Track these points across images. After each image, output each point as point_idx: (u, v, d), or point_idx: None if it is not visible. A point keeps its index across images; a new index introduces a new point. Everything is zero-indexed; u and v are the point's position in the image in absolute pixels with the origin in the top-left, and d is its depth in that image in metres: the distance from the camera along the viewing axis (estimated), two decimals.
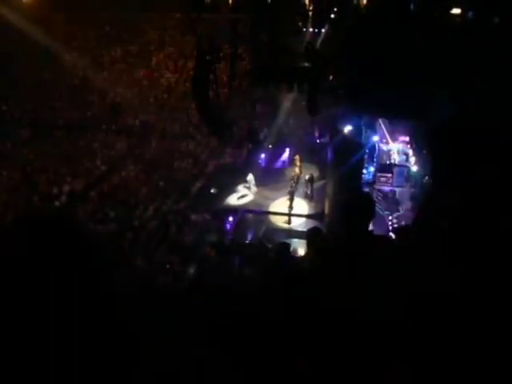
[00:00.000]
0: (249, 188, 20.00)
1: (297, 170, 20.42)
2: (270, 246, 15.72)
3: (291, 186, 19.31)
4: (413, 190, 18.07)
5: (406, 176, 18.38)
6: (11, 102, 28.08)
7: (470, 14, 10.58)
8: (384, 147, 20.15)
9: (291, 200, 18.73)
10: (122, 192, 20.24)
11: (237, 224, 18.54)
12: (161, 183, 20.91)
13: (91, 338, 0.95)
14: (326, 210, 17.15)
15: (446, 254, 2.13)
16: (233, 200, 19.73)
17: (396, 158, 19.79)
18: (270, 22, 14.98)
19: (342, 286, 3.05)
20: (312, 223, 16.35)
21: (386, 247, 3.32)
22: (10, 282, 0.93)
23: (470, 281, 2.06)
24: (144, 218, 18.31)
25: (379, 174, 18.67)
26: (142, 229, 17.53)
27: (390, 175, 18.41)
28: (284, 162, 22.45)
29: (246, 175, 20.09)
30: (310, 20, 15.55)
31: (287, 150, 22.72)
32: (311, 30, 15.76)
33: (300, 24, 16.12)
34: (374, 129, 18.79)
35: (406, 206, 17.84)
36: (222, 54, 18.16)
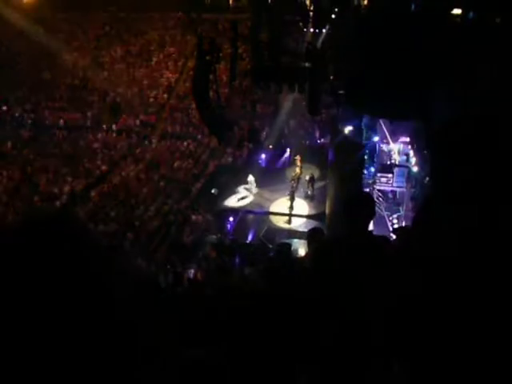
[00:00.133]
0: (249, 189, 19.98)
1: (297, 170, 20.43)
2: (270, 246, 15.73)
3: (292, 187, 19.32)
4: (413, 190, 18.06)
5: (407, 176, 18.36)
6: (11, 102, 28.11)
7: (471, 14, 10.57)
8: (384, 147, 20.14)
9: (292, 200, 18.75)
10: (122, 192, 20.26)
11: (237, 224, 18.55)
12: (161, 183, 20.92)
13: (90, 338, 0.95)
14: (327, 211, 17.14)
15: (445, 253, 2.13)
16: (232, 202, 19.72)
17: (396, 159, 19.77)
18: (270, 22, 14.97)
19: (340, 284, 3.05)
20: (312, 223, 16.36)
21: (384, 247, 3.32)
22: (10, 283, 0.92)
23: (469, 280, 2.06)
24: (144, 218, 18.33)
25: (380, 175, 18.66)
26: (142, 229, 17.54)
27: (390, 175, 18.39)
28: (284, 162, 22.44)
29: (247, 176, 20.09)
30: (310, 20, 15.54)
31: (288, 150, 22.72)
32: (312, 30, 15.75)
33: (300, 24, 16.11)
34: (374, 129, 18.77)
35: (406, 206, 17.84)
36: (222, 54, 18.17)
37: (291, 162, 21.59)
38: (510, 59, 8.51)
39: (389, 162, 19.66)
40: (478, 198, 1.98)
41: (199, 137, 24.60)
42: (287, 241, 13.83)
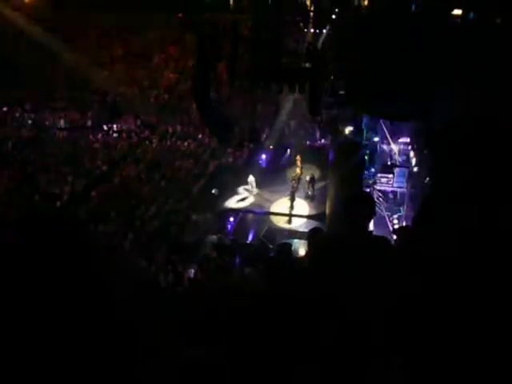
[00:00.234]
0: (249, 190, 19.97)
1: (298, 170, 20.43)
2: (270, 246, 15.74)
3: (292, 187, 19.32)
4: (413, 190, 18.05)
5: (407, 177, 18.36)
6: (12, 102, 28.11)
7: (471, 14, 10.57)
8: (385, 148, 20.14)
9: (292, 200, 18.76)
10: (122, 192, 20.24)
11: (238, 224, 18.55)
12: (162, 183, 20.92)
13: (90, 337, 0.95)
14: (327, 211, 17.14)
15: (445, 253, 2.13)
16: (232, 203, 19.71)
17: (397, 159, 19.78)
18: (270, 22, 14.98)
19: (340, 284, 3.05)
20: (313, 224, 16.36)
21: (384, 247, 3.33)
22: (12, 281, 0.93)
23: (469, 280, 2.06)
24: (145, 217, 18.32)
25: (380, 175, 18.66)
26: (142, 229, 17.54)
27: (390, 176, 18.39)
28: (285, 162, 22.43)
29: (247, 176, 20.08)
30: (311, 20, 15.55)
31: (288, 150, 22.72)
32: (312, 30, 15.76)
33: (301, 24, 16.12)
34: (374, 129, 18.78)
35: (406, 206, 17.84)
36: (222, 55, 18.16)
37: (292, 163, 21.58)
38: (510, 59, 8.52)
39: (389, 163, 19.66)
40: (478, 198, 1.99)
41: (200, 137, 24.60)
42: (287, 241, 13.83)
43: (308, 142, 23.71)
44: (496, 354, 1.91)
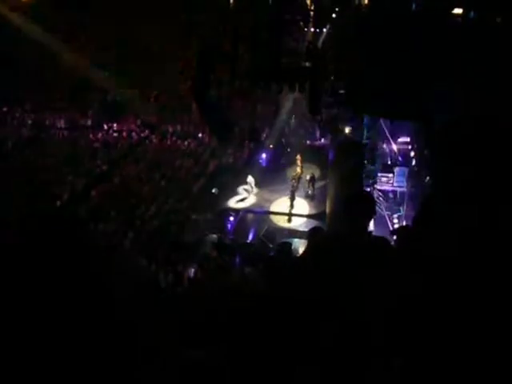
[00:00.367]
0: (248, 190, 19.94)
1: (298, 169, 20.44)
2: (270, 245, 15.74)
3: (292, 186, 19.32)
4: (414, 190, 18.06)
5: (407, 176, 18.36)
6: (12, 102, 28.11)
7: (472, 14, 10.56)
8: (385, 147, 20.15)
9: (292, 199, 18.76)
10: (123, 191, 20.25)
11: (238, 223, 18.55)
12: (162, 183, 20.92)
13: (91, 337, 0.95)
14: (327, 210, 17.14)
15: (445, 253, 2.13)
16: (232, 203, 19.71)
17: (397, 158, 19.79)
18: (270, 21, 14.97)
19: (340, 284, 3.05)
20: (313, 223, 16.37)
21: (384, 247, 3.32)
22: (12, 280, 0.93)
23: (469, 280, 2.06)
24: (145, 217, 18.33)
25: (380, 174, 18.65)
26: (143, 228, 17.54)
27: (390, 175, 18.39)
28: (285, 161, 22.43)
29: (247, 176, 20.07)
30: (311, 20, 15.54)
31: (288, 149, 22.72)
32: (312, 29, 15.75)
33: (301, 24, 16.11)
34: (374, 129, 18.77)
35: (406, 206, 17.84)
36: (222, 54, 18.13)
37: (292, 162, 21.58)
38: (510, 59, 8.51)
39: (389, 162, 19.66)
40: (478, 198, 1.99)
41: (200, 136, 24.60)
42: (287, 240, 13.82)
43: (308, 142, 23.72)
44: (496, 354, 1.91)
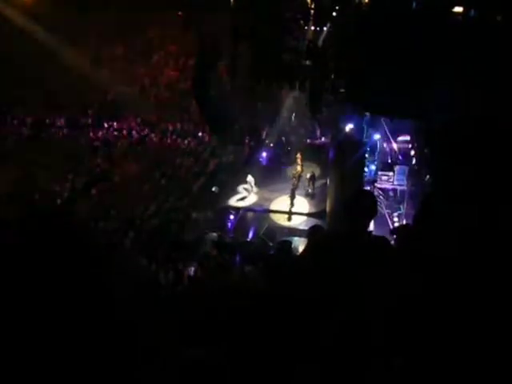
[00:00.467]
0: (248, 189, 19.93)
1: (298, 168, 20.42)
2: (271, 244, 15.75)
3: (293, 184, 19.32)
4: (414, 188, 18.06)
5: (408, 175, 18.36)
6: (12, 100, 28.09)
7: (472, 12, 10.55)
8: (385, 146, 20.14)
9: (292, 198, 18.75)
10: (123, 190, 20.25)
11: (238, 222, 18.56)
12: (162, 181, 20.92)
13: (90, 338, 0.95)
14: (327, 209, 17.15)
15: (445, 253, 2.13)
16: (232, 202, 19.70)
17: (397, 157, 19.79)
18: (271, 19, 14.95)
19: (340, 283, 3.05)
20: (313, 221, 16.38)
21: (384, 247, 3.32)
22: (10, 282, 0.93)
23: (469, 280, 2.06)
24: (145, 216, 18.33)
25: (380, 173, 18.66)
26: (143, 227, 17.55)
27: (391, 174, 18.41)
28: (285, 160, 22.43)
29: (247, 174, 20.05)
30: (311, 18, 15.51)
31: (289, 148, 22.71)
32: (313, 28, 15.72)
33: (301, 22, 16.08)
34: (375, 127, 18.76)
35: (407, 204, 17.85)
36: (222, 52, 18.13)
37: (292, 160, 21.58)
38: (511, 58, 8.50)
39: (389, 161, 19.67)
40: (478, 198, 1.98)
41: (200, 135, 24.59)
42: (287, 239, 13.82)
43: (308, 140, 23.70)
44: (496, 354, 1.91)
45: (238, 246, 15.77)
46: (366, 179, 18.06)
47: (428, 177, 15.63)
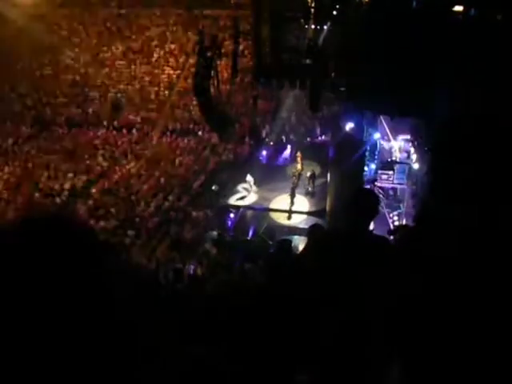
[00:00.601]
0: (247, 189, 19.90)
1: (298, 166, 20.41)
2: (270, 242, 15.75)
3: (293, 183, 19.31)
4: (414, 187, 18.06)
5: (408, 173, 18.36)
6: (12, 99, 28.11)
7: (473, 11, 10.55)
8: (385, 144, 20.13)
9: (292, 197, 18.74)
10: (123, 188, 20.25)
11: (238, 220, 18.55)
12: (162, 180, 20.92)
13: (90, 338, 0.95)
14: (327, 207, 17.14)
15: (445, 253, 2.13)
16: (231, 201, 19.67)
17: (397, 156, 19.78)
18: (271, 18, 14.94)
19: (340, 282, 3.05)
20: (313, 220, 16.37)
21: (384, 246, 3.30)
22: (10, 282, 0.93)
23: (469, 280, 2.06)
24: (145, 214, 18.33)
25: (380, 172, 18.65)
26: (143, 225, 17.55)
27: (391, 172, 18.39)
28: (285, 158, 22.43)
29: (247, 173, 20.03)
30: (311, 17, 15.50)
31: (289, 146, 22.71)
32: (313, 26, 15.71)
33: (302, 21, 16.07)
34: (375, 126, 18.74)
35: (407, 203, 17.84)
36: (223, 51, 18.13)
37: (292, 159, 21.57)
38: (511, 57, 8.50)
39: (389, 159, 19.66)
40: (478, 198, 1.98)
41: (200, 133, 24.59)
42: (287, 237, 13.82)
43: (308, 139, 23.69)
44: (496, 353, 1.91)
45: (238, 245, 15.78)
46: (365, 178, 18.05)
47: (428, 176, 15.62)
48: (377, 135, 19.07)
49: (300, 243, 14.22)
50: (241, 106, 25.00)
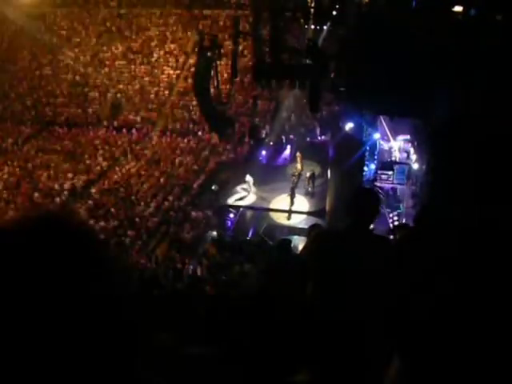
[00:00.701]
0: (247, 189, 19.89)
1: (298, 166, 20.41)
2: (270, 242, 15.74)
3: (292, 183, 19.31)
4: (413, 187, 18.07)
5: (407, 173, 18.38)
6: (12, 99, 28.12)
7: (472, 11, 10.54)
8: (385, 145, 20.15)
9: (292, 197, 18.75)
10: (123, 188, 20.25)
11: (237, 220, 18.55)
12: (162, 180, 20.92)
13: (90, 337, 0.95)
14: (327, 207, 17.15)
15: (445, 253, 2.13)
16: (230, 202, 19.66)
17: (397, 156, 19.80)
18: (271, 18, 14.96)
19: (340, 281, 3.05)
20: (313, 220, 16.38)
21: (384, 246, 3.29)
22: (9, 282, 0.93)
23: (469, 280, 2.07)
24: (145, 214, 18.33)
25: (380, 172, 18.67)
26: (142, 225, 17.56)
27: (390, 173, 18.42)
28: (285, 158, 22.43)
29: (246, 174, 20.02)
30: (311, 17, 15.52)
31: (288, 146, 22.71)
32: (313, 27, 15.74)
33: (301, 21, 16.09)
34: (375, 126, 18.77)
35: (406, 203, 17.85)
36: (223, 51, 18.15)
37: (292, 159, 21.58)
38: (511, 57, 8.50)
39: (389, 159, 19.67)
40: (478, 198, 1.98)
41: (200, 133, 24.59)
42: (287, 237, 13.81)
43: (308, 139, 23.71)
44: (496, 354, 1.91)
45: (238, 245, 15.77)
46: (365, 178, 18.07)
47: (428, 176, 15.63)
48: (376, 135, 19.10)
49: (300, 243, 14.22)
50: (241, 106, 25.00)
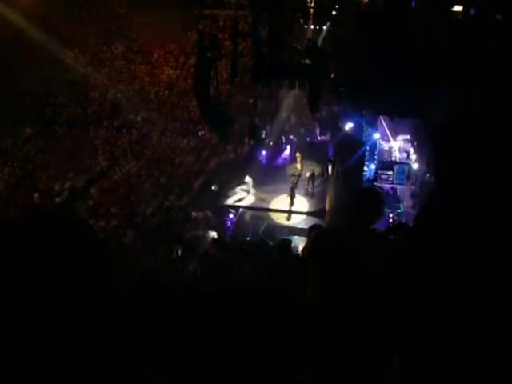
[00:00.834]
0: (246, 190, 19.88)
1: (298, 166, 20.42)
2: (270, 242, 15.74)
3: (292, 183, 19.32)
4: (413, 187, 18.06)
5: (407, 174, 18.37)
6: (12, 99, 28.09)
7: (472, 11, 10.54)
8: (385, 145, 20.14)
9: (292, 197, 18.75)
10: (123, 188, 20.25)
11: (237, 221, 18.56)
12: (162, 180, 20.92)
13: (90, 337, 0.95)
14: (327, 208, 17.15)
15: (445, 253, 2.13)
16: (230, 203, 19.67)
17: (397, 156, 19.79)
18: (271, 18, 14.95)
19: (340, 281, 3.05)
20: (312, 220, 16.39)
21: (384, 245, 3.29)
22: (10, 282, 0.93)
23: (469, 280, 2.07)
24: (145, 214, 18.33)
25: (380, 172, 18.66)
26: (143, 225, 17.55)
27: (390, 173, 18.41)
28: (285, 158, 22.44)
29: (246, 174, 20.02)
30: (311, 17, 15.53)
31: (288, 146, 22.71)
32: (312, 27, 15.74)
33: (301, 21, 16.09)
34: (375, 126, 18.75)
35: (406, 203, 17.84)
36: (223, 51, 18.11)
37: (292, 159, 21.59)
38: (511, 57, 8.50)
39: (389, 159, 19.67)
40: (478, 198, 1.99)
41: (200, 133, 24.60)
42: (287, 237, 13.82)
43: (308, 139, 23.71)
44: (496, 354, 1.91)
45: (238, 245, 15.77)
46: (365, 178, 18.05)
47: (428, 176, 15.63)
48: (376, 135, 19.08)
49: (300, 243, 14.23)
50: (241, 106, 25.00)
